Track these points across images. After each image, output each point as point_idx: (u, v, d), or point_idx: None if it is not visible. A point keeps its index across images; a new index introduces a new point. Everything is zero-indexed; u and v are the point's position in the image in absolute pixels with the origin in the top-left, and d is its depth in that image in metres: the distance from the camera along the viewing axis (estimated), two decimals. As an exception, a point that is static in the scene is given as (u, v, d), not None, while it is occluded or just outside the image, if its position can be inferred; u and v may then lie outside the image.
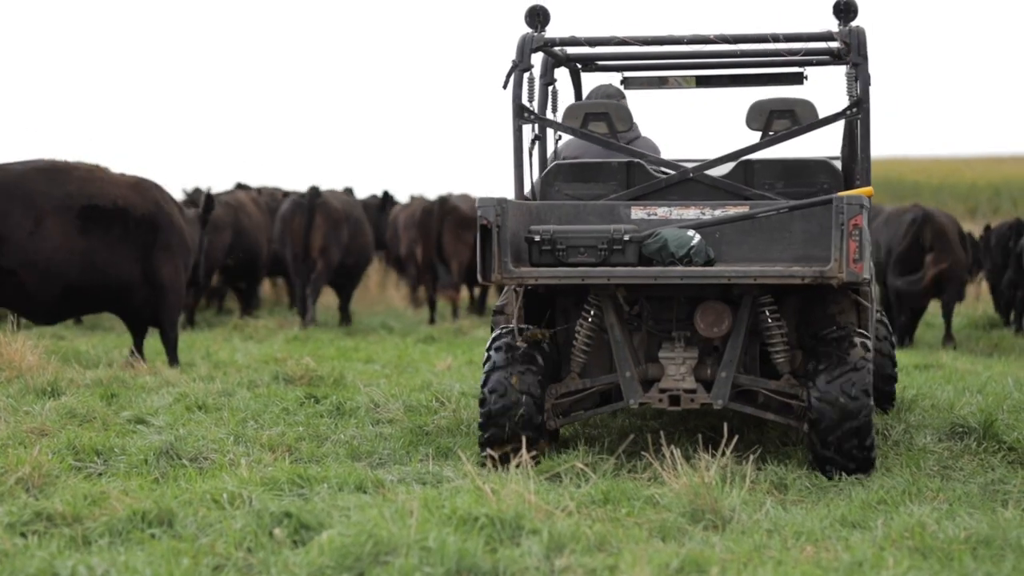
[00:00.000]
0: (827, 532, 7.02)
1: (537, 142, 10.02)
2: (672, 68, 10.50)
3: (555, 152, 10.31)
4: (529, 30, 9.64)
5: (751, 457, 8.56)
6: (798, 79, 10.46)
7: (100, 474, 8.34)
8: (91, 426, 9.73)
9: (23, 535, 6.81)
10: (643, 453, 8.82)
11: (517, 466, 7.68)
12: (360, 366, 13.78)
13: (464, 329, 18.44)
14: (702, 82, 10.52)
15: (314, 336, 16.92)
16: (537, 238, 9.01)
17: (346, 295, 20.56)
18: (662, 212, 9.28)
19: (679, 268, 8.74)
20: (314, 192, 19.75)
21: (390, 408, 10.39)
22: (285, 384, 11.72)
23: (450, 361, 14.19)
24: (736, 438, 8.72)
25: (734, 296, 9.02)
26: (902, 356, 14.49)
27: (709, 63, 10.35)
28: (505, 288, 9.70)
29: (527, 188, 9.79)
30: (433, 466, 8.48)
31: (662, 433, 9.19)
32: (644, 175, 9.69)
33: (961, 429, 9.61)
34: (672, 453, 8.11)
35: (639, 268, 8.81)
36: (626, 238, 8.95)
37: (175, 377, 11.84)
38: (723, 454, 8.16)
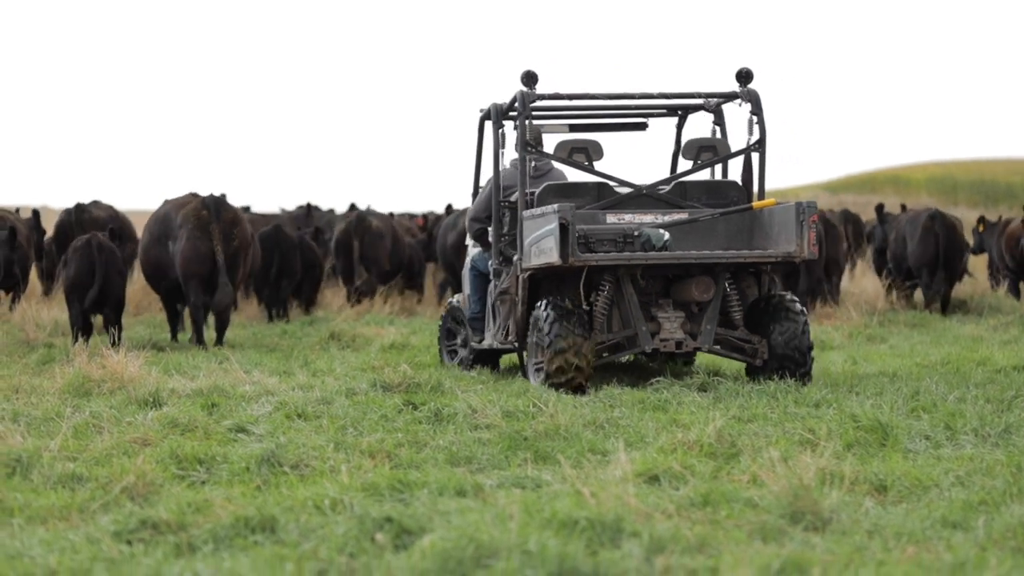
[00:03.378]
0: (928, 533, 6.99)
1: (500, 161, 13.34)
2: (562, 117, 14.28)
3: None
4: (525, 88, 12.81)
5: (849, 458, 8.53)
6: (643, 127, 14.53)
7: (203, 482, 8.44)
8: (193, 435, 9.83)
9: (129, 543, 6.93)
10: (741, 455, 8.83)
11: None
12: (457, 372, 13.83)
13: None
14: (573, 128, 14.19)
15: (410, 344, 16.99)
16: (576, 235, 12.03)
17: None
18: (628, 217, 12.80)
19: (693, 252, 12.43)
20: None
21: (488, 414, 10.41)
22: (383, 392, 11.78)
23: (545, 367, 14.18)
24: (835, 441, 8.86)
25: (715, 272, 12.46)
26: (1001, 357, 14.37)
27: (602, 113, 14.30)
28: (505, 275, 13.03)
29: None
30: (532, 470, 8.51)
31: (760, 435, 9.19)
32: (610, 192, 13.05)
33: (1062, 428, 9.54)
34: (770, 455, 8.12)
35: (664, 252, 12.31)
36: (636, 234, 12.50)
37: (275, 386, 11.94)
38: (821, 455, 8.18)
